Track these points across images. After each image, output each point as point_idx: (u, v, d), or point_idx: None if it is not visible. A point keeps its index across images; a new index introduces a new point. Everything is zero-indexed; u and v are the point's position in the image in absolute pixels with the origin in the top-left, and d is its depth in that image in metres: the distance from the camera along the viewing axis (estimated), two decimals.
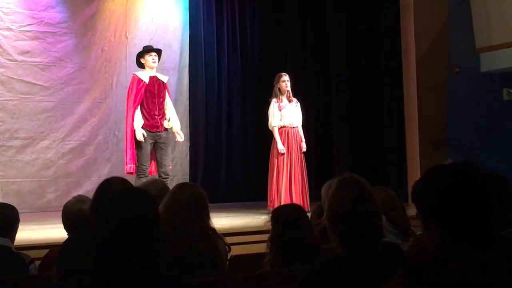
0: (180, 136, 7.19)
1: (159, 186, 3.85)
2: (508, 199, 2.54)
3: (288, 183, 7.23)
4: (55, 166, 8.46)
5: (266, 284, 2.88)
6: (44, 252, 4.02)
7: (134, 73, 7.11)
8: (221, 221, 6.37)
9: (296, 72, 8.62)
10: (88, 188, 8.06)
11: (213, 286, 2.86)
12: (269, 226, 3.17)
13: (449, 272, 1.55)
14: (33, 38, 8.38)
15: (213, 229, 3.16)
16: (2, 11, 8.21)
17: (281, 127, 7.31)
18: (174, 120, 7.12)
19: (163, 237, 2.83)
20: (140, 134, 6.72)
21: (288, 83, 7.36)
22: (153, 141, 6.90)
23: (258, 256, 3.27)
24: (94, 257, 2.02)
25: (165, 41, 9.14)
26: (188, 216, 3.03)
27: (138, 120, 6.79)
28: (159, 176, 6.78)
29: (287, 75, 7.40)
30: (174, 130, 7.12)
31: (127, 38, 8.97)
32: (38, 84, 8.38)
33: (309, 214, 3.53)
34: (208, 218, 3.15)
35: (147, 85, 6.90)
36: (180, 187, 3.24)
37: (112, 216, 2.05)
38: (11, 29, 8.24)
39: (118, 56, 8.91)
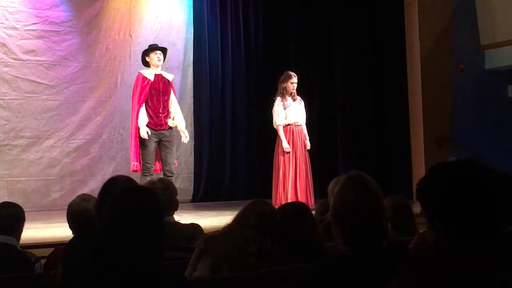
0: (185, 135, 7.18)
1: (165, 181, 3.88)
2: None
3: (293, 181, 7.23)
4: (60, 165, 8.48)
5: (270, 282, 2.89)
6: (49, 250, 4.02)
7: (139, 71, 7.12)
8: (225, 219, 6.36)
9: (300, 70, 8.59)
10: (93, 186, 8.07)
11: (217, 284, 2.86)
12: None
13: (453, 270, 1.55)
14: (37, 37, 8.39)
15: (271, 250, 3.12)
16: (7, 10, 8.23)
17: (286, 125, 7.31)
18: (179, 119, 7.11)
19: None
20: (144, 132, 6.73)
21: (296, 85, 7.33)
22: (158, 140, 6.90)
23: None
24: (99, 256, 2.02)
25: (169, 39, 9.14)
26: (250, 234, 3.00)
27: (143, 118, 6.80)
28: (164, 175, 6.78)
29: (296, 77, 7.35)
30: (179, 128, 7.12)
31: (131, 36, 8.98)
32: (42, 83, 8.40)
33: (313, 212, 3.53)
34: (270, 238, 3.09)
35: (152, 83, 6.90)
36: (250, 204, 3.19)
37: (117, 215, 2.05)
38: (16, 28, 8.26)
39: (122, 54, 8.92)
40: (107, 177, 3.45)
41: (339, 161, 9.14)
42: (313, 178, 7.50)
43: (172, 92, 7.11)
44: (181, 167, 8.98)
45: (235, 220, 3.12)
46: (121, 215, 2.03)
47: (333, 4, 9.40)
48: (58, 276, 3.08)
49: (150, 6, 9.15)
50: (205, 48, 9.48)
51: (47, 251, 4.10)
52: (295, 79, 7.33)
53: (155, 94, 6.91)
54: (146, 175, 6.67)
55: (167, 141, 6.96)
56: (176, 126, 7.08)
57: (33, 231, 5.72)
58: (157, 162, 6.97)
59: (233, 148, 9.63)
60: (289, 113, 7.32)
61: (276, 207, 6.61)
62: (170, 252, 3.06)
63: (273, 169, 7.40)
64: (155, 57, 6.96)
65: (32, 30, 8.36)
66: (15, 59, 8.23)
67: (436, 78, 8.24)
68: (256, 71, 9.71)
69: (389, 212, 3.32)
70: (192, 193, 9.33)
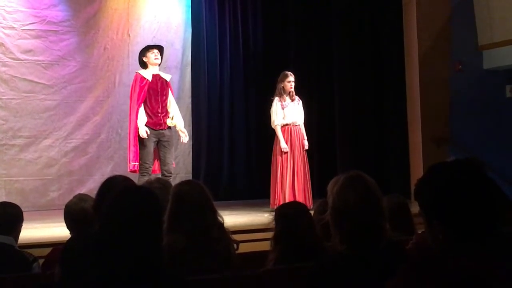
0: (185, 134, 7.17)
1: (162, 181, 3.87)
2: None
3: (291, 181, 7.23)
4: (58, 165, 8.47)
5: (269, 281, 2.88)
6: (47, 250, 4.02)
7: (137, 71, 7.11)
8: (224, 219, 6.37)
9: (299, 70, 8.58)
10: (91, 186, 8.07)
11: (216, 283, 2.85)
12: (272, 224, 3.17)
13: (452, 269, 1.55)
14: (35, 37, 8.38)
15: (221, 225, 3.15)
16: (5, 10, 8.22)
17: (284, 125, 7.30)
18: (178, 118, 7.11)
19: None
20: (143, 131, 6.72)
21: (293, 84, 7.33)
22: (157, 140, 6.89)
23: (261, 254, 3.28)
24: (97, 255, 2.02)
25: (168, 39, 9.13)
26: (195, 215, 3.01)
27: (142, 118, 6.80)
28: (162, 174, 6.78)
29: (293, 75, 7.34)
30: (178, 128, 7.12)
31: (129, 36, 8.97)
32: (40, 83, 8.39)
33: (312, 212, 3.53)
34: (214, 213, 3.13)
35: (150, 83, 6.90)
36: (179, 187, 3.20)
37: (115, 215, 2.05)
38: (13, 27, 8.25)
39: (120, 54, 8.91)
40: (105, 177, 3.45)
41: (338, 161, 9.13)
42: (311, 178, 7.49)
43: (170, 92, 7.11)
44: (179, 167, 8.96)
45: (172, 208, 3.07)
46: (119, 214, 2.03)
47: (332, 4, 9.40)
48: (55, 275, 3.08)
49: (148, 6, 9.14)
50: (203, 47, 9.48)
51: (45, 251, 4.10)
52: (291, 78, 7.33)
53: (153, 94, 6.91)
54: (144, 175, 6.66)
55: (166, 141, 6.95)
56: (175, 126, 7.08)
57: (31, 231, 5.71)
58: (155, 162, 6.97)
59: (231, 147, 9.62)
60: (287, 113, 7.31)
61: (274, 207, 6.62)
62: None
63: (271, 169, 7.39)
64: (152, 56, 6.96)
65: (30, 29, 8.35)
66: (13, 58, 8.22)
67: (434, 78, 8.24)
68: (254, 71, 9.71)
69: (387, 211, 3.33)
70: None
